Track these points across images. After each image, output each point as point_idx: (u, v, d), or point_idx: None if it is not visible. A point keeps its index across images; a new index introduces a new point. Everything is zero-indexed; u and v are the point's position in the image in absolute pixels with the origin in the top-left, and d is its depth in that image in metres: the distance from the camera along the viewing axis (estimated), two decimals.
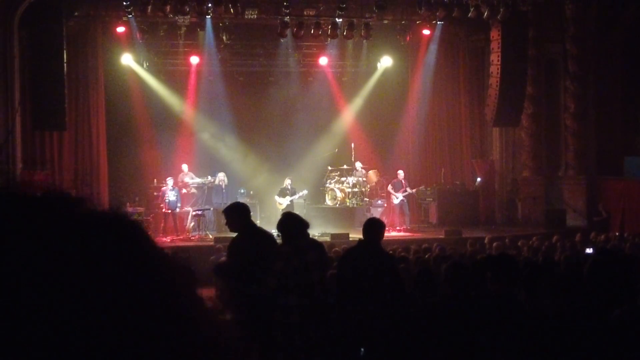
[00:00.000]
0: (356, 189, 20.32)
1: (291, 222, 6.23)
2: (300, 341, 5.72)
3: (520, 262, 7.47)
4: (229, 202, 19.01)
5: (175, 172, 19.59)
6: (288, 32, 19.31)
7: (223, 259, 11.85)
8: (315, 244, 6.21)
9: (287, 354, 5.84)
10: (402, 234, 18.75)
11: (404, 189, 19.50)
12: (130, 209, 18.70)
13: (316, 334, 5.73)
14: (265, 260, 6.08)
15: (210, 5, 18.10)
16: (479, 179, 22.08)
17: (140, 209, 18.95)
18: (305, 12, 19.50)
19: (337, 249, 13.04)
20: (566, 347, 4.16)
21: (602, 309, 4.47)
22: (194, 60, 21.19)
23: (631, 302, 4.45)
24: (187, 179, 19.59)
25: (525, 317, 4.45)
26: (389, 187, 19.81)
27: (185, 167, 19.83)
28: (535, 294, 4.93)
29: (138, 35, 20.10)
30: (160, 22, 19.98)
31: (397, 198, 19.42)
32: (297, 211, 18.61)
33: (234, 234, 7.05)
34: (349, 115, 22.85)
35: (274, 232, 7.02)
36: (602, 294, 4.89)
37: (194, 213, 18.78)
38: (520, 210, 21.48)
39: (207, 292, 10.46)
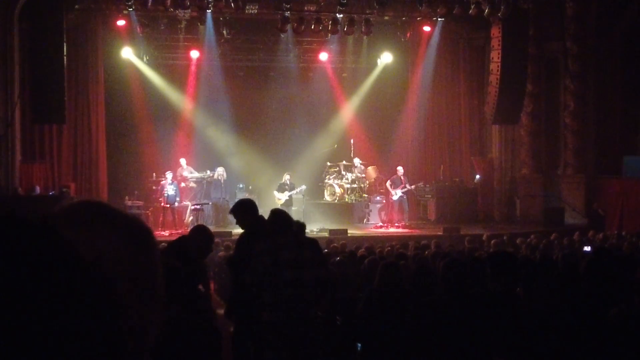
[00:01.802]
0: (355, 185, 20.34)
1: (272, 219, 6.26)
2: (274, 338, 5.78)
3: (519, 260, 7.48)
4: (228, 197, 19.23)
5: (175, 166, 19.60)
6: (288, 27, 19.29)
7: (221, 253, 11.91)
8: (296, 243, 6.10)
9: (261, 349, 5.93)
10: (400, 230, 18.75)
11: (403, 185, 19.48)
12: (129, 203, 18.77)
13: (292, 331, 5.77)
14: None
15: None
16: (477, 176, 22.11)
17: (139, 203, 19.02)
18: (305, 8, 19.49)
19: (335, 244, 13.09)
20: (564, 344, 4.18)
21: (600, 307, 4.48)
22: (194, 54, 21.19)
23: (628, 301, 4.46)
24: (185, 173, 19.60)
25: (523, 314, 4.46)
26: (388, 184, 19.79)
27: (183, 161, 19.84)
28: (534, 292, 4.94)
29: (138, 29, 20.07)
30: (160, 15, 19.95)
31: (396, 194, 19.41)
32: (295, 206, 18.71)
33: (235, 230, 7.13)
34: (348, 111, 22.87)
35: None
36: (600, 292, 4.91)
37: (192, 207, 18.79)
38: (518, 208, 21.50)
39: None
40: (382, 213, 20.20)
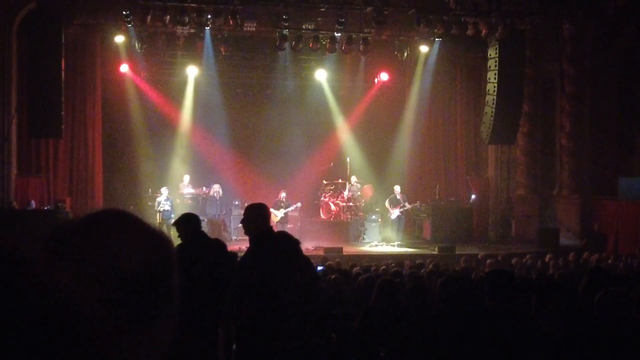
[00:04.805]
0: (351, 204, 20.33)
1: (280, 240, 6.47)
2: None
3: (517, 278, 7.47)
4: (224, 214, 19.16)
5: (171, 182, 19.59)
6: (286, 45, 19.34)
7: None
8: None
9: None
10: (395, 249, 18.75)
11: (401, 205, 19.49)
12: None
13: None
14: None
15: (210, 16, 18.13)
16: (473, 196, 22.11)
17: None
18: (304, 26, 19.55)
19: (330, 262, 13.05)
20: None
21: (597, 327, 4.47)
22: (192, 71, 21.22)
23: (627, 321, 4.45)
24: (187, 190, 19.59)
25: (521, 333, 4.45)
26: (387, 203, 19.78)
27: (187, 177, 19.84)
28: (536, 310, 4.92)
29: (137, 45, 20.12)
30: (159, 32, 20.01)
31: (394, 214, 19.41)
32: (291, 224, 18.69)
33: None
34: (345, 129, 22.88)
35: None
36: (596, 312, 4.90)
37: None
38: (514, 228, 21.49)
39: None
40: (379, 232, 20.18)
